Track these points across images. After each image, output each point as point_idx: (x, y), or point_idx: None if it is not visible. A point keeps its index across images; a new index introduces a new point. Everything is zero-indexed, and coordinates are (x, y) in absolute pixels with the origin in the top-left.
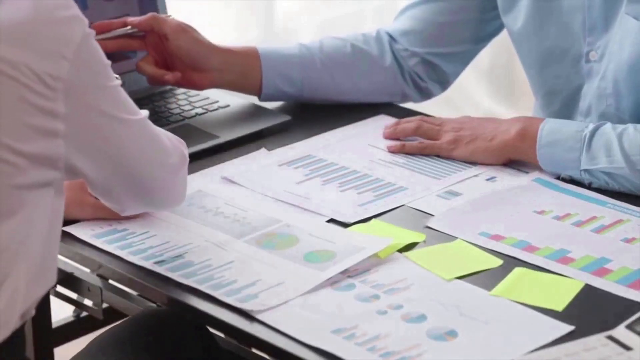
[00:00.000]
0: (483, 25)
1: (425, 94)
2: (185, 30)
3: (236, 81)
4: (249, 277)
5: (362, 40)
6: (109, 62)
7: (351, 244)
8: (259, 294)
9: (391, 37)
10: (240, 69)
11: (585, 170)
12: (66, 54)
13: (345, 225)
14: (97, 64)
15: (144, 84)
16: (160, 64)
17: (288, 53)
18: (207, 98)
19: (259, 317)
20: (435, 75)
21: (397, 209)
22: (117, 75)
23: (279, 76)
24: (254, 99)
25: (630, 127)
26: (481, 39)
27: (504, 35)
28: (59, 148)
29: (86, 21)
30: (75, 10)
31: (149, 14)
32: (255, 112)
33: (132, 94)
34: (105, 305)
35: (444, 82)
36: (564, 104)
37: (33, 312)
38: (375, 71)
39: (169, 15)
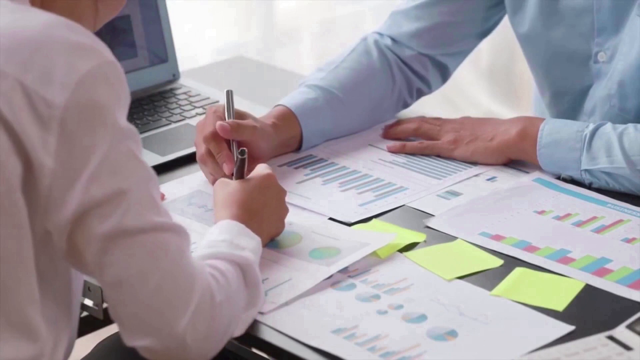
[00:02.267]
0: (488, 19)
1: (423, 95)
2: (257, 128)
3: (280, 150)
4: None
5: (368, 65)
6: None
7: (355, 240)
8: (267, 292)
9: (396, 43)
10: (286, 140)
11: (586, 170)
12: (66, 81)
13: (345, 225)
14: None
15: (144, 84)
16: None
17: (319, 106)
18: (208, 98)
19: (259, 317)
20: (441, 76)
21: (397, 209)
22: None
23: (314, 135)
24: (254, 99)
25: (630, 126)
26: (486, 32)
27: (504, 35)
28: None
29: (105, 59)
30: (91, 41)
31: (233, 124)
32: (255, 113)
33: (132, 94)
34: (105, 305)
35: (445, 79)
36: (571, 104)
37: None
38: (387, 98)
39: (243, 114)
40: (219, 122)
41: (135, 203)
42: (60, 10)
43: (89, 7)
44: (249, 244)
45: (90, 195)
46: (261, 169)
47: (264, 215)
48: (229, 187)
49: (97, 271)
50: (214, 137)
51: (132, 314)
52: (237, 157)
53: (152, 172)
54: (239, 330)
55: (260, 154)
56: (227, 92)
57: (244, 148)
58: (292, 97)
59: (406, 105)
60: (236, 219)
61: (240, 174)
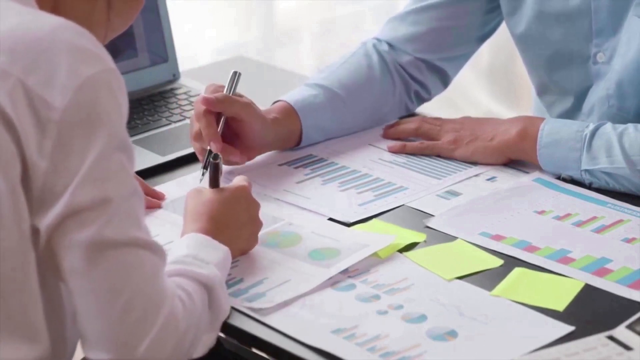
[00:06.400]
0: (486, 24)
1: (424, 101)
2: (251, 106)
3: (280, 146)
4: (255, 276)
5: (368, 66)
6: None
7: (354, 242)
8: (267, 292)
9: (392, 47)
10: (286, 135)
11: (586, 171)
12: (68, 85)
13: (345, 225)
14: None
15: (144, 84)
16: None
17: (319, 102)
18: None
19: (259, 317)
20: (440, 81)
21: (397, 209)
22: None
23: (314, 130)
24: (254, 99)
25: (630, 126)
26: (484, 37)
27: (503, 35)
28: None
29: (108, 67)
30: (96, 48)
31: (223, 96)
32: None
33: (132, 94)
34: None
35: (446, 84)
36: (571, 104)
37: None
38: (389, 101)
39: (241, 96)
40: (202, 95)
41: (118, 215)
42: (72, 18)
43: (101, 18)
44: (214, 256)
45: (75, 200)
46: (237, 180)
47: (233, 229)
48: (201, 196)
49: (68, 278)
50: (205, 114)
51: (96, 327)
52: (209, 161)
53: (139, 189)
54: (197, 353)
55: (254, 139)
56: (234, 72)
57: (218, 153)
58: (292, 94)
59: (408, 110)
60: (204, 232)
61: (214, 181)
